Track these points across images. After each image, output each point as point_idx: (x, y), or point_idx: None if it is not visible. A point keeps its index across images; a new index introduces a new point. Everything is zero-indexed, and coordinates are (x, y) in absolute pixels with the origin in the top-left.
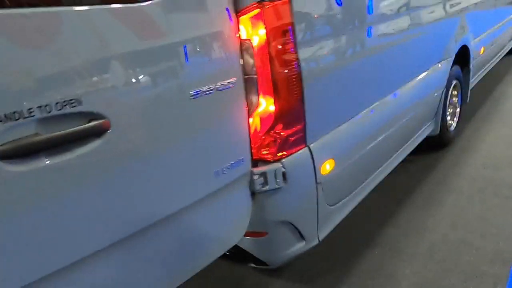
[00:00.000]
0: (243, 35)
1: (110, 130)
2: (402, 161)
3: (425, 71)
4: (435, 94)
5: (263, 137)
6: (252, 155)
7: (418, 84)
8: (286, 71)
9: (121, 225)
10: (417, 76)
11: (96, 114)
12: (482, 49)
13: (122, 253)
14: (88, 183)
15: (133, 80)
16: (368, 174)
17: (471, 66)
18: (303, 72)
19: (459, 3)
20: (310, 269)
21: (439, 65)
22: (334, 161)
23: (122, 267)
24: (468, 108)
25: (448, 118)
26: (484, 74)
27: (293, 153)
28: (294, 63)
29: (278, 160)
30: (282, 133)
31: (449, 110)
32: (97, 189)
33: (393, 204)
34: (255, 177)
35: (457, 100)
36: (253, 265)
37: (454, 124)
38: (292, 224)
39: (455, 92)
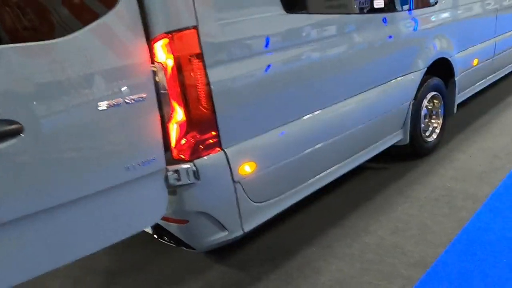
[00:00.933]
0: (158, 59)
1: (23, 134)
2: (376, 167)
3: (381, 84)
4: (400, 105)
5: (180, 142)
6: (172, 155)
7: (371, 96)
8: (194, 89)
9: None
10: (369, 88)
11: (12, 121)
12: (475, 61)
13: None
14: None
15: (51, 98)
16: (303, 178)
17: (456, 79)
18: (213, 89)
19: (431, 19)
20: (251, 259)
21: (402, 78)
22: (255, 163)
23: (53, 228)
24: (463, 118)
25: (427, 128)
26: (487, 84)
27: (207, 155)
28: (202, 82)
29: (191, 161)
30: (194, 139)
31: (431, 121)
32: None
33: (349, 207)
34: (169, 173)
35: (440, 112)
36: (184, 248)
37: (434, 135)
38: (211, 215)
39: (437, 104)
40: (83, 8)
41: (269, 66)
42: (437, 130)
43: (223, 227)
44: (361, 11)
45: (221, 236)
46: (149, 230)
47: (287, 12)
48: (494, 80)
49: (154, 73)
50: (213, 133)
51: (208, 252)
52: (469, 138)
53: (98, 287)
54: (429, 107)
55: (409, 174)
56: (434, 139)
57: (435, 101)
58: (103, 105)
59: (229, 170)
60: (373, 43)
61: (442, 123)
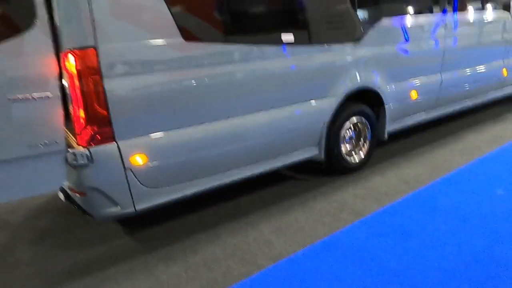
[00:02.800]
0: (65, 68)
1: None
2: (298, 177)
3: (285, 105)
4: (311, 125)
5: (80, 132)
6: (76, 140)
7: (273, 114)
8: (91, 94)
9: None
10: (269, 108)
11: None
12: (413, 93)
13: None
14: None
15: None
16: (197, 175)
17: (386, 108)
18: (108, 96)
19: (352, 53)
20: (152, 236)
21: (313, 102)
22: (146, 156)
23: None
24: (401, 145)
25: (352, 149)
26: (434, 116)
27: (101, 144)
28: (98, 89)
29: (87, 147)
30: (91, 132)
31: (358, 143)
32: None
33: (255, 207)
34: (68, 154)
35: (367, 136)
36: (88, 216)
37: (357, 156)
38: (104, 192)
39: (363, 128)
40: (7, 26)
41: (162, 82)
42: (362, 152)
43: (115, 203)
44: (264, 42)
45: (114, 210)
46: (62, 198)
47: (185, 40)
48: (443, 114)
49: (63, 79)
50: (107, 129)
51: (124, 225)
52: (395, 163)
53: (32, 241)
54: (357, 130)
55: (321, 188)
56: (358, 160)
57: (359, 125)
58: (16, 99)
59: (120, 158)
60: (273, 71)
61: (369, 147)
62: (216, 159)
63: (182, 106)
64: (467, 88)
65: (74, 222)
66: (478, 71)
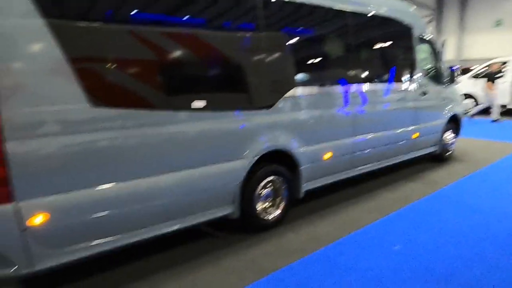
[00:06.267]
0: None
1: None
2: (215, 235)
3: (195, 167)
4: (224, 185)
5: None
6: None
7: (183, 175)
8: None
9: None
10: (179, 169)
11: None
12: (328, 154)
13: None
14: None
15: None
16: (100, 234)
17: (300, 169)
18: (9, 158)
19: (263, 119)
20: None
21: (224, 164)
22: (48, 215)
23: None
24: (319, 203)
25: (264, 206)
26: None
27: None
28: None
29: None
30: None
31: (274, 201)
32: None
33: (161, 266)
34: None
35: (283, 193)
36: None
37: (274, 214)
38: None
39: (278, 187)
40: None
41: (66, 144)
42: (279, 210)
43: (12, 263)
44: (174, 107)
45: (12, 269)
46: None
47: (91, 106)
48: (360, 173)
49: None
50: (4, 189)
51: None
52: (310, 220)
53: None
54: (273, 189)
55: (235, 245)
56: (274, 217)
57: (275, 184)
58: None
59: (16, 219)
60: (183, 135)
61: (285, 204)
62: (124, 218)
63: (87, 167)
64: (379, 151)
65: None
66: (389, 135)
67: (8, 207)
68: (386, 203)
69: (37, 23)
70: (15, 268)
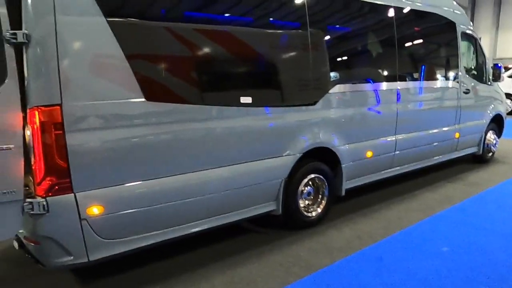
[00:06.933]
0: (30, 122)
1: None
2: (258, 231)
3: (244, 162)
4: (269, 181)
5: (39, 182)
6: (35, 190)
7: (233, 170)
8: (52, 147)
9: None
10: (229, 164)
11: None
12: (369, 152)
13: None
14: None
15: None
16: (155, 227)
17: (342, 166)
18: (69, 150)
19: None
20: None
21: (271, 160)
22: (103, 207)
23: None
24: (358, 201)
25: (310, 205)
26: (391, 175)
27: (58, 195)
28: (59, 143)
29: (44, 197)
30: (49, 183)
31: (316, 199)
32: None
33: (210, 258)
34: (25, 204)
35: (324, 192)
36: (40, 265)
37: (316, 211)
38: (57, 241)
39: (320, 185)
40: None
41: (122, 137)
42: (320, 208)
43: (68, 253)
44: (224, 103)
45: (66, 260)
46: (16, 246)
47: (147, 100)
48: (401, 173)
49: (26, 132)
50: (66, 180)
51: (77, 274)
52: (352, 219)
53: None
54: (315, 186)
55: (278, 241)
56: (315, 215)
57: (317, 181)
58: None
59: (76, 209)
60: (232, 130)
61: (326, 202)
62: (174, 212)
63: (140, 160)
64: (420, 150)
65: (27, 271)
66: (430, 134)
67: (69, 197)
68: (428, 204)
69: (99, 21)
70: (71, 258)
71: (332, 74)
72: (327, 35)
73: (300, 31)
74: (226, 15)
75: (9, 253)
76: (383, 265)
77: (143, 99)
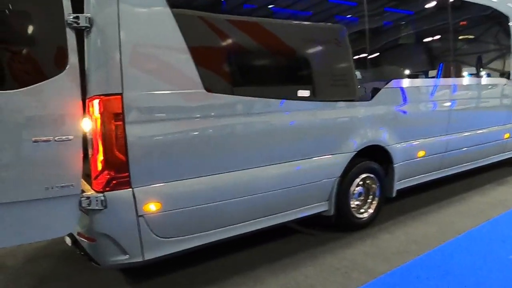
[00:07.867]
0: (89, 112)
1: None
2: (304, 232)
3: (300, 159)
4: (322, 180)
5: (97, 176)
6: (92, 185)
7: (288, 167)
8: (112, 139)
9: None
10: (286, 161)
11: None
12: (421, 152)
13: None
14: None
15: None
16: (211, 226)
17: (394, 166)
18: (129, 142)
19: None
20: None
21: (325, 157)
22: (161, 204)
23: None
24: (408, 203)
25: (361, 206)
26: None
27: (116, 190)
28: (120, 135)
29: (102, 192)
30: (107, 176)
31: (367, 200)
32: None
33: (262, 261)
34: (82, 198)
35: (376, 193)
36: (93, 263)
37: (367, 213)
38: (114, 239)
39: (372, 185)
40: (37, 69)
41: (182, 130)
42: (371, 209)
43: (124, 251)
44: (282, 96)
45: (122, 258)
46: (69, 243)
47: (207, 91)
48: (449, 174)
49: (85, 122)
50: (124, 174)
51: (127, 273)
52: (403, 221)
53: (30, 287)
54: (365, 187)
55: (330, 244)
56: (367, 216)
57: (368, 181)
58: (39, 140)
59: (134, 205)
60: (289, 125)
61: (378, 203)
62: (229, 210)
63: (199, 155)
64: (470, 151)
65: (74, 268)
66: (481, 134)
67: (127, 192)
68: (480, 207)
69: (164, 11)
70: (126, 257)
71: (388, 69)
72: (383, 30)
73: (358, 26)
74: (288, 9)
75: (53, 248)
76: (450, 272)
77: (204, 90)
